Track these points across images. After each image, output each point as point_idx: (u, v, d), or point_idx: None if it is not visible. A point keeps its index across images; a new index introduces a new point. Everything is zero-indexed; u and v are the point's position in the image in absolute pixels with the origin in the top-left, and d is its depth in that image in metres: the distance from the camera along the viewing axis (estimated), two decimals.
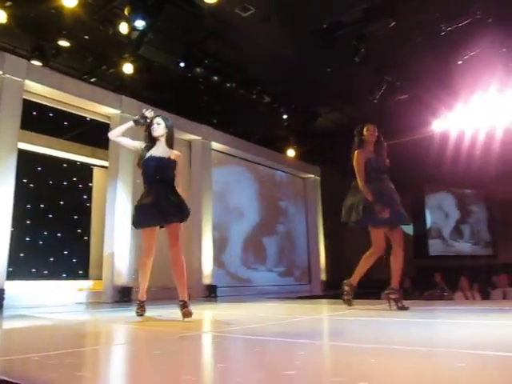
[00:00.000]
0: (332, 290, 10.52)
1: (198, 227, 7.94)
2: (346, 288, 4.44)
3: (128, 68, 7.10)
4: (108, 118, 7.18)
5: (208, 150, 8.54)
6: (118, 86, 7.45)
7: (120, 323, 3.88)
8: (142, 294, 4.03)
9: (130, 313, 4.27)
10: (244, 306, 5.54)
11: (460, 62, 6.49)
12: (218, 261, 8.45)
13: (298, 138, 10.38)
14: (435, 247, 13.45)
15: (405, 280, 9.07)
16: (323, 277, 11.07)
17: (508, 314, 3.77)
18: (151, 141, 3.87)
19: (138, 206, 3.74)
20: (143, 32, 6.26)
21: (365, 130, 4.35)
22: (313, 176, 11.43)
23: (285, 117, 8.95)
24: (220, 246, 8.68)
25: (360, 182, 4.17)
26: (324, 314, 4.55)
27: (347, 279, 4.50)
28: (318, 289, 10.78)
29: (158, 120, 3.89)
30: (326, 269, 11.22)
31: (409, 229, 13.63)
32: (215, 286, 7.94)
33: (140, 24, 6.03)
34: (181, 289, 3.65)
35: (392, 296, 4.14)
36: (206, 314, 4.66)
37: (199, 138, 8.32)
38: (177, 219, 3.68)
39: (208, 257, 7.98)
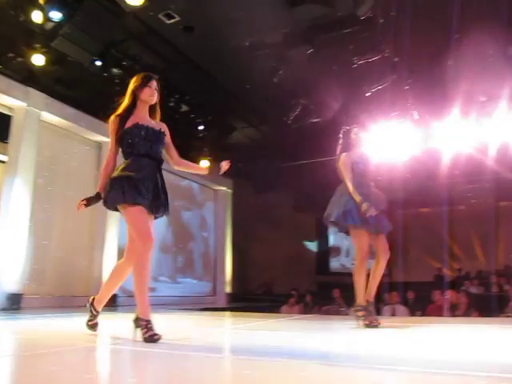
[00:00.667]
0: (236, 303, 10.64)
1: (101, 233, 7.61)
2: (361, 313, 3.89)
3: (38, 59, 6.65)
4: (11, 110, 6.67)
5: (119, 154, 8.23)
6: (26, 77, 6.95)
7: (9, 333, 3.58)
8: (146, 310, 2.83)
9: (22, 321, 3.96)
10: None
11: (368, 94, 6.99)
12: None
13: (212, 149, 10.41)
14: (336, 264, 14.19)
15: (306, 295, 9.43)
16: (228, 289, 11.14)
17: (391, 329, 4.07)
18: (133, 107, 3.11)
19: (124, 176, 2.91)
20: (59, 24, 5.94)
21: (352, 133, 4.21)
22: (224, 188, 11.51)
23: (201, 128, 8.96)
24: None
25: (349, 183, 3.98)
26: (225, 327, 4.57)
27: (355, 306, 3.97)
28: (223, 301, 10.82)
29: (155, 84, 3.13)
30: (232, 281, 11.31)
31: (312, 246, 14.28)
32: (116, 294, 7.62)
33: (56, 15, 5.73)
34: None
35: (360, 313, 3.90)
36: (104, 324, 4.45)
37: None
38: (162, 211, 3.02)
39: (111, 265, 7.65)
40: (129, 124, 3.04)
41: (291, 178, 10.42)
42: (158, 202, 2.97)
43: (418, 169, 8.97)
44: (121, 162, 3.07)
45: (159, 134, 3.09)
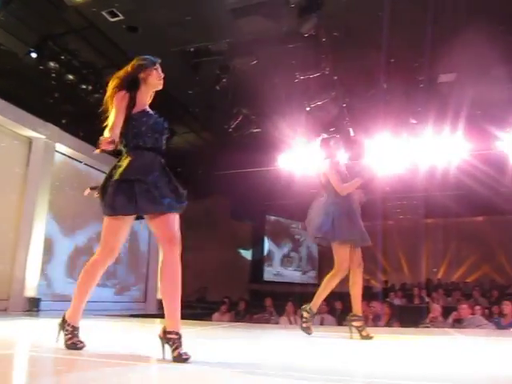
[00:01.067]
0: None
1: (27, 232, 7.21)
2: (306, 315, 3.91)
3: None
4: None
5: (51, 152, 7.88)
6: None
7: None
8: (77, 316, 2.66)
9: None
10: None
11: (308, 109, 7.20)
12: (44, 272, 7.74)
13: None
14: (269, 273, 14.38)
15: (240, 303, 9.45)
16: (159, 295, 10.93)
17: (319, 339, 4.19)
18: (137, 90, 2.67)
19: (134, 180, 2.46)
20: None
21: (332, 142, 4.20)
22: None
23: None
24: (49, 256, 7.99)
25: (344, 184, 3.93)
26: (152, 334, 4.48)
27: (306, 304, 3.99)
28: (154, 307, 10.59)
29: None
30: None
31: (247, 254, 14.38)
32: (39, 299, 7.24)
33: None
34: (174, 313, 2.47)
35: (356, 324, 3.91)
36: (21, 330, 4.22)
37: (42, 136, 7.64)
38: (180, 206, 2.59)
39: (35, 267, 7.26)
40: (134, 109, 2.61)
41: (229, 185, 10.46)
42: (178, 197, 2.58)
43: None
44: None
45: (164, 128, 2.73)
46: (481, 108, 7.42)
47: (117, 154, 2.60)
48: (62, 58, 6.82)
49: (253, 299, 11.28)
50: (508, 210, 11.41)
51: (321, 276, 15.37)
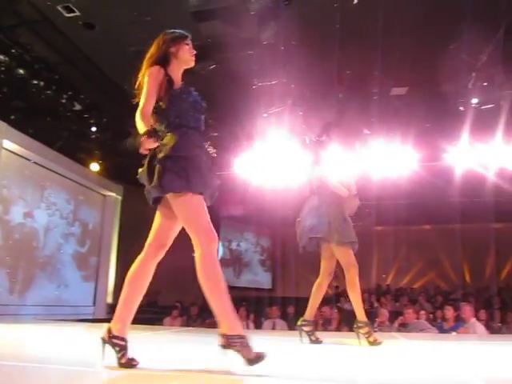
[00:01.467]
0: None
1: None
2: (364, 331, 3.78)
3: None
4: None
5: None
6: None
7: None
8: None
9: None
10: (7, 328, 4.94)
11: (265, 115, 7.27)
12: None
13: (104, 153, 9.98)
14: (224, 278, 14.33)
15: (192, 307, 9.36)
16: (110, 299, 10.65)
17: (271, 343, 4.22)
18: (167, 66, 2.45)
19: (183, 156, 2.22)
20: None
21: (322, 145, 4.13)
22: (114, 195, 11.06)
23: (94, 129, 8.57)
24: None
25: (342, 188, 3.91)
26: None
27: (357, 323, 3.81)
28: (103, 311, 10.30)
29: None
30: (114, 291, 10.83)
31: None
32: None
33: None
34: (126, 318, 2.36)
35: (306, 328, 3.91)
36: None
37: None
38: (215, 198, 2.46)
39: None
40: (175, 86, 2.41)
41: None
42: (213, 187, 2.40)
43: (306, 191, 9.49)
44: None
45: (202, 103, 2.49)
46: (430, 121, 7.77)
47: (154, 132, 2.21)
48: (13, 51, 6.58)
49: (206, 304, 11.17)
50: (453, 219, 11.94)
51: (275, 280, 15.49)
